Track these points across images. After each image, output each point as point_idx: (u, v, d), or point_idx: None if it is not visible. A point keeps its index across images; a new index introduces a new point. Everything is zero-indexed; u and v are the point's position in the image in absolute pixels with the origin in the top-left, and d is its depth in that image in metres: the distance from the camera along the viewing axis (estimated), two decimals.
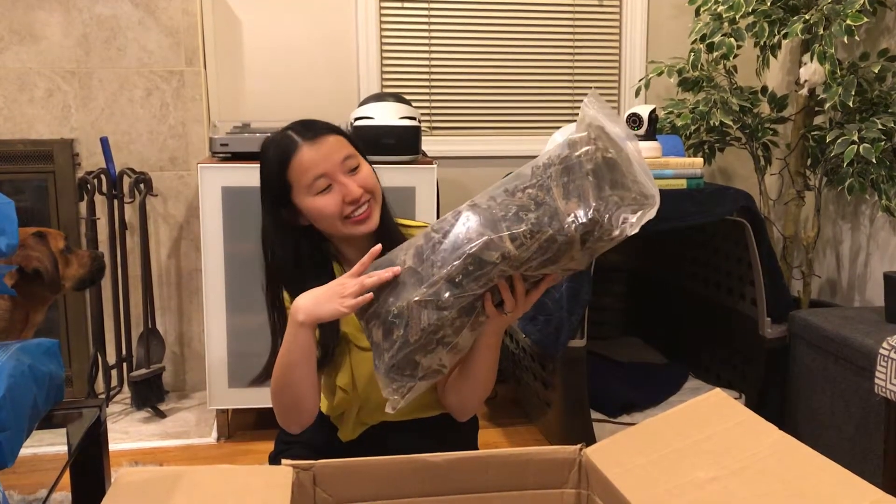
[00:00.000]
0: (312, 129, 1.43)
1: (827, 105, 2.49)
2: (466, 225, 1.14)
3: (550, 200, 1.11)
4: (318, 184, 1.39)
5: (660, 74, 2.88)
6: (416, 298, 1.14)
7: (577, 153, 1.13)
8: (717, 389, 1.19)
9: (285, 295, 1.54)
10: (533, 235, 1.10)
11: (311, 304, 1.28)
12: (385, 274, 1.18)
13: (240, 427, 2.77)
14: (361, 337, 1.43)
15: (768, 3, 2.62)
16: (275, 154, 1.45)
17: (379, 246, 1.26)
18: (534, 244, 1.11)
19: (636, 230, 1.11)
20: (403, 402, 1.19)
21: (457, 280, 1.12)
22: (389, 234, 1.45)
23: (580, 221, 1.10)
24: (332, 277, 1.49)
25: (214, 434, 2.71)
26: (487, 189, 1.20)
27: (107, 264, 1.87)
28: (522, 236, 1.11)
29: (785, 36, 2.54)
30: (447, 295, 1.13)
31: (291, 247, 1.47)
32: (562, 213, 1.10)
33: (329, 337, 1.44)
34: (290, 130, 1.44)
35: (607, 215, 1.10)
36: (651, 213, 1.12)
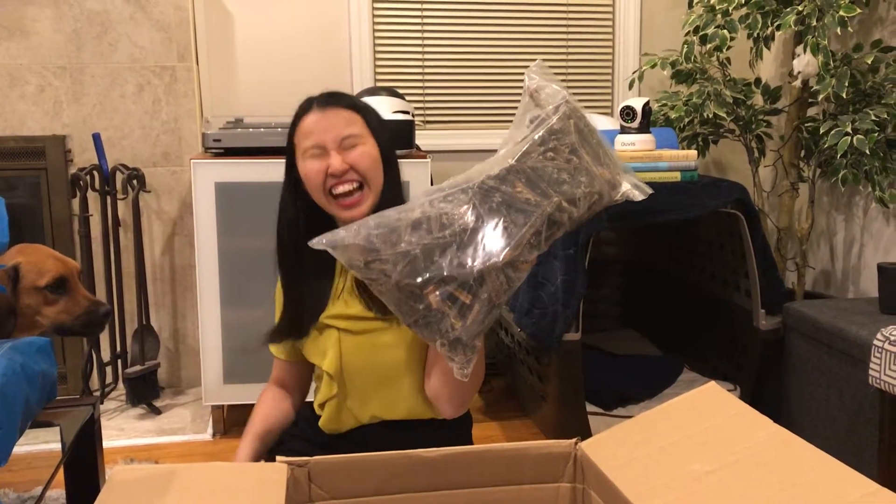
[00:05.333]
0: (330, 99, 1.43)
1: (820, 96, 2.49)
2: (527, 187, 1.11)
3: (584, 165, 1.13)
4: (312, 152, 1.40)
5: (653, 67, 2.88)
6: (504, 259, 1.07)
7: (571, 121, 1.14)
8: (712, 382, 1.19)
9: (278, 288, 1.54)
10: (588, 197, 1.12)
11: None
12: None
13: (235, 423, 2.76)
14: (351, 322, 1.43)
15: None
16: (296, 111, 1.46)
17: None
18: (586, 206, 1.12)
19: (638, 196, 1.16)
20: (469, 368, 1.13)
21: (533, 241, 1.10)
22: None
23: (621, 185, 1.14)
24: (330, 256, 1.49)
25: (210, 430, 2.70)
26: (498, 158, 1.16)
27: (104, 321, 1.74)
28: (585, 197, 1.11)
29: (778, 27, 2.54)
30: (532, 256, 1.11)
31: (292, 208, 1.47)
32: (598, 177, 1.12)
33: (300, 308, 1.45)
34: (319, 95, 1.45)
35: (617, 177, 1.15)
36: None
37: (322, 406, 1.48)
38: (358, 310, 1.43)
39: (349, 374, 1.44)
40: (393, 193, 1.45)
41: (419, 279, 1.07)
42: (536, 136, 1.12)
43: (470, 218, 1.08)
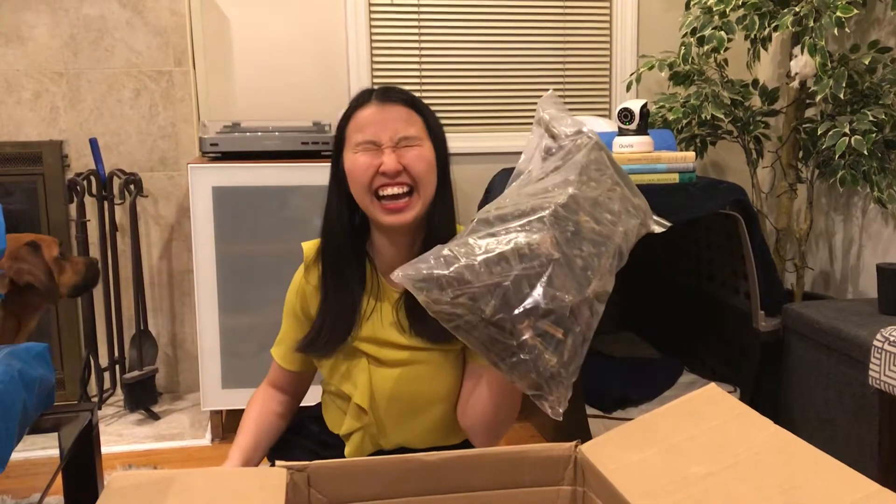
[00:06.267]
0: (391, 94, 1.33)
1: (818, 97, 2.49)
2: (590, 216, 1.06)
3: (627, 195, 1.09)
4: (364, 146, 1.30)
5: (651, 69, 2.88)
6: (592, 290, 1.03)
7: (602, 152, 1.11)
8: (712, 384, 1.19)
9: (289, 296, 1.48)
10: (638, 229, 1.08)
11: None
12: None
13: (234, 428, 2.74)
14: (383, 351, 1.36)
15: None
16: (350, 102, 1.36)
17: None
18: (635, 236, 1.08)
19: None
20: (564, 406, 1.07)
21: (608, 272, 1.06)
22: (434, 243, 1.30)
23: (654, 217, 1.11)
24: (362, 266, 1.40)
25: (209, 435, 2.70)
26: (534, 183, 1.11)
27: (101, 271, 1.87)
28: (637, 228, 1.07)
29: (775, 28, 2.54)
30: (611, 286, 1.05)
31: (336, 207, 1.37)
32: (639, 207, 1.10)
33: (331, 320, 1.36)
34: (377, 89, 1.35)
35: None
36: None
37: (347, 436, 1.41)
38: (392, 336, 1.36)
39: (381, 406, 1.37)
40: (443, 203, 1.36)
41: (515, 312, 1.00)
42: (576, 166, 1.07)
43: (552, 248, 1.01)
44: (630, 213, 1.09)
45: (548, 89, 3.32)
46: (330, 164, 1.39)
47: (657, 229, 1.15)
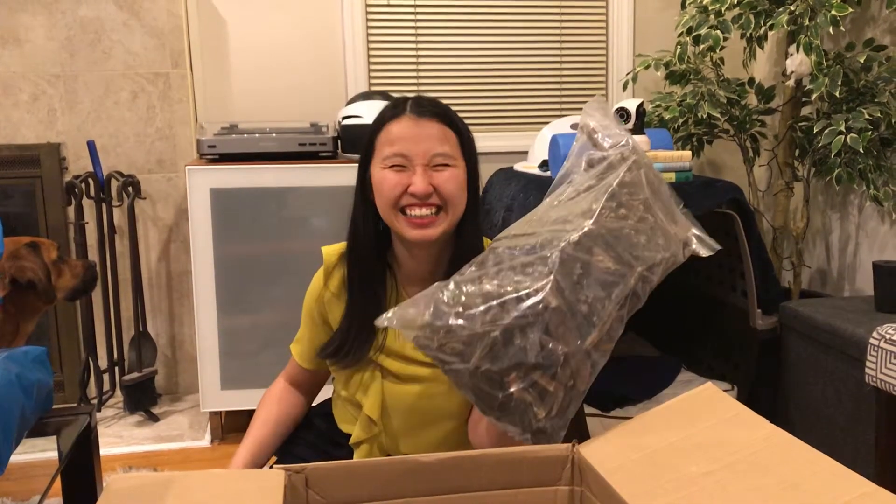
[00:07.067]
0: (425, 108, 1.31)
1: (814, 96, 2.49)
2: (606, 253, 0.99)
3: (659, 224, 1.02)
4: (394, 160, 1.27)
5: (647, 68, 2.88)
6: (590, 343, 0.98)
7: (642, 171, 1.05)
8: (709, 383, 1.19)
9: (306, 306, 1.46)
10: (665, 263, 1.01)
11: None
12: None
13: (233, 429, 2.76)
14: (399, 364, 1.35)
15: None
16: (382, 111, 1.33)
17: None
18: (662, 272, 1.02)
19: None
20: None
21: (615, 320, 1.00)
22: (461, 260, 1.22)
23: (692, 243, 1.04)
24: (382, 283, 1.37)
25: (208, 436, 2.70)
26: (565, 203, 1.06)
27: (98, 274, 1.86)
28: (663, 263, 1.00)
29: (771, 27, 2.54)
30: (617, 334, 1.00)
31: (361, 217, 1.35)
32: (673, 237, 1.03)
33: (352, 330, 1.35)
34: (412, 98, 1.32)
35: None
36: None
37: (356, 445, 1.41)
38: (410, 351, 1.34)
39: (391, 419, 1.37)
40: (472, 221, 1.34)
41: (501, 365, 0.97)
42: (607, 190, 1.02)
43: (552, 295, 0.96)
44: (659, 246, 1.02)
45: (544, 89, 3.33)
46: (357, 168, 1.36)
47: (704, 252, 1.08)
